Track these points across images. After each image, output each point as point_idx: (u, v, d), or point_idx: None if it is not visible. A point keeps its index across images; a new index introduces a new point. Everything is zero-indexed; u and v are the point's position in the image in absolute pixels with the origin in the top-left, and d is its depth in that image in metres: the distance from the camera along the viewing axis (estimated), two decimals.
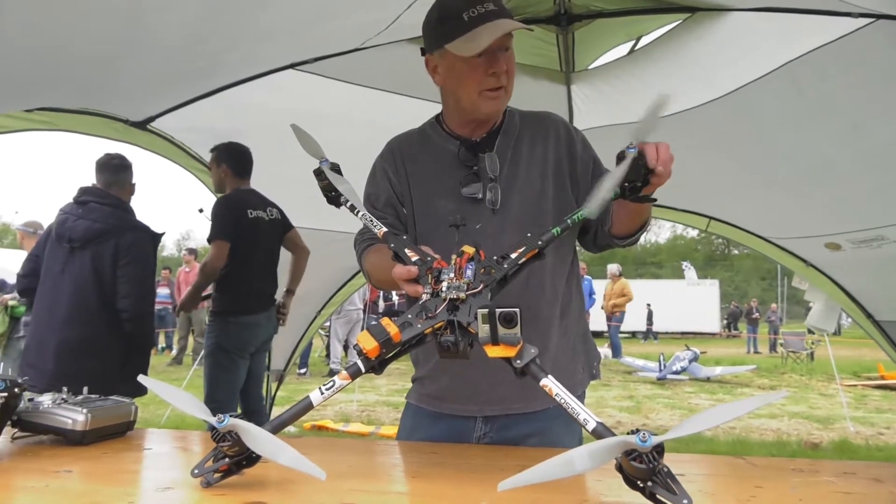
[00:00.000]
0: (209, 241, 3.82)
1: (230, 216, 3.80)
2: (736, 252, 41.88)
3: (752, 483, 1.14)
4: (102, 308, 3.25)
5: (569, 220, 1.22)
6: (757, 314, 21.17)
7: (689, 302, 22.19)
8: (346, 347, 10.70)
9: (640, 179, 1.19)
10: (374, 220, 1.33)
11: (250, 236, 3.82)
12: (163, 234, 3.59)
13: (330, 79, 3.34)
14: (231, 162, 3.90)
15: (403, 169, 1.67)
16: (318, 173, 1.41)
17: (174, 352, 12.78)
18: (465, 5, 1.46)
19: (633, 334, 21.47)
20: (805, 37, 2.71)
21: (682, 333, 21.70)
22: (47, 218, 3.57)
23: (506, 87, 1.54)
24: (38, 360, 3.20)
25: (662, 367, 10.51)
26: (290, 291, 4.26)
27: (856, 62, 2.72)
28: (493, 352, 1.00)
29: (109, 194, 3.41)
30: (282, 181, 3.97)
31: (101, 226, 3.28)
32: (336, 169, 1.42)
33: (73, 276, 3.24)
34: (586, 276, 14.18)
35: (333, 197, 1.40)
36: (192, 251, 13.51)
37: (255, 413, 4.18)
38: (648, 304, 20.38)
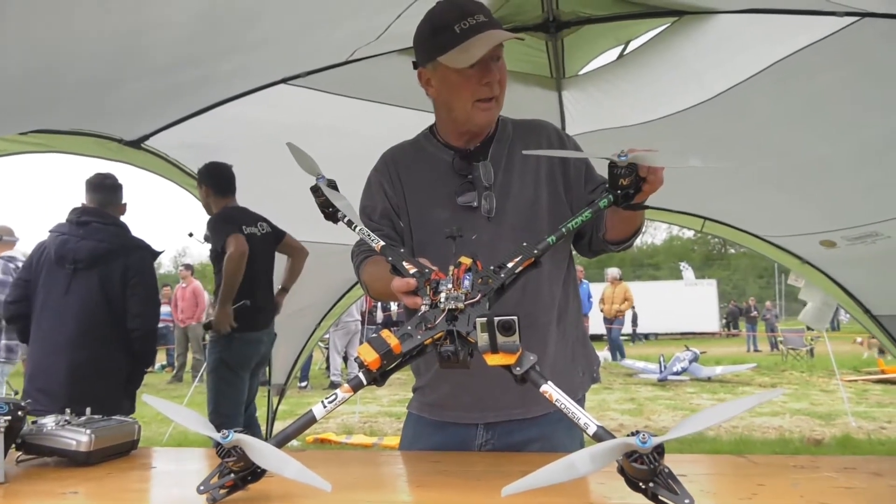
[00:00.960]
0: (221, 245, 3.79)
1: (229, 226, 3.85)
2: (733, 251, 41.89)
3: (754, 481, 1.15)
4: (111, 328, 3.24)
5: (563, 229, 1.24)
6: (755, 312, 21.19)
7: (688, 302, 22.19)
8: (345, 359, 10.69)
9: (633, 187, 1.21)
10: (372, 234, 1.34)
11: (249, 251, 3.83)
12: (161, 251, 3.60)
13: (322, 92, 3.35)
14: (210, 181, 3.94)
15: (399, 180, 1.69)
16: (315, 190, 1.42)
17: (174, 369, 12.74)
18: (457, 18, 1.48)
19: (632, 338, 21.46)
20: (792, 37, 2.73)
21: (682, 334, 21.70)
22: (35, 238, 3.52)
23: (497, 98, 1.56)
24: (48, 384, 3.15)
25: (663, 369, 10.52)
26: (284, 289, 4.28)
27: (843, 60, 2.74)
28: (493, 360, 1.01)
29: (109, 214, 3.41)
30: (277, 195, 3.99)
31: (108, 246, 3.28)
32: (332, 185, 1.43)
33: (79, 297, 3.22)
34: (583, 280, 14.20)
35: (331, 213, 1.42)
36: (188, 267, 13.47)
37: (249, 430, 4.16)
38: (633, 307, 20.27)
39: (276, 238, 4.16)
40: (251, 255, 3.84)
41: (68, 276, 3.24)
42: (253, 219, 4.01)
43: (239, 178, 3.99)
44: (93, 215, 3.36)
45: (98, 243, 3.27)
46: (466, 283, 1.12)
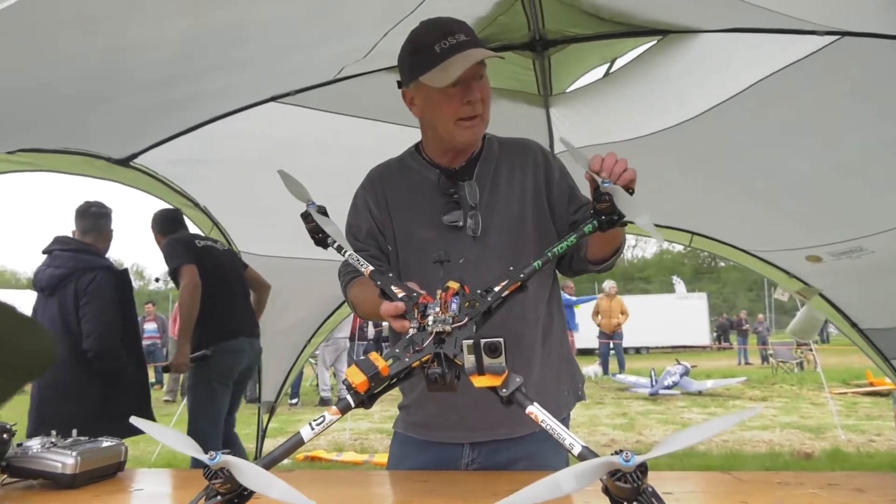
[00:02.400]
0: (174, 272, 3.90)
1: (181, 246, 3.97)
2: (723, 265, 42.06)
3: (739, 498, 1.16)
4: (73, 351, 3.30)
5: (548, 254, 1.26)
6: (746, 325, 21.26)
7: (679, 316, 22.24)
8: (335, 374, 10.64)
9: (615, 213, 1.24)
10: (361, 259, 1.35)
11: (209, 261, 3.94)
12: (124, 269, 3.67)
13: (311, 109, 3.37)
14: (156, 226, 4.15)
15: (384, 199, 1.70)
16: (305, 216, 1.44)
17: (164, 387, 12.55)
18: (437, 37, 1.50)
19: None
20: (774, 56, 2.77)
21: (673, 347, 21.74)
22: (20, 257, 3.69)
23: (482, 115, 1.57)
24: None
25: (654, 383, 10.52)
26: None
27: (824, 78, 2.79)
28: (480, 382, 1.02)
29: (73, 240, 3.53)
30: (267, 211, 3.99)
31: (63, 271, 3.39)
32: (322, 211, 1.45)
33: (45, 322, 3.31)
34: (571, 296, 14.22)
35: (320, 239, 1.44)
36: None
37: (228, 443, 4.15)
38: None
39: (241, 260, 4.31)
40: (214, 264, 3.96)
41: (39, 302, 3.44)
42: (209, 238, 4.19)
43: (228, 195, 4.00)
44: (57, 243, 3.51)
45: (55, 269, 3.40)
46: (454, 306, 1.13)
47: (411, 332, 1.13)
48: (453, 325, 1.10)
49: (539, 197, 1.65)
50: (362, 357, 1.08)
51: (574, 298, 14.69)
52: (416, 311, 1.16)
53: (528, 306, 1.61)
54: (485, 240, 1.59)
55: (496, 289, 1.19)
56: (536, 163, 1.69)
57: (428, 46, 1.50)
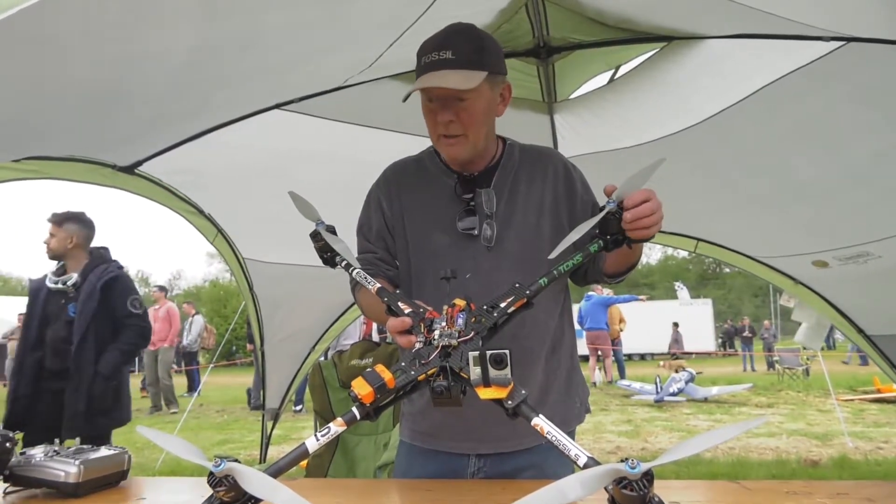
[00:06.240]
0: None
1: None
2: (728, 270, 41.94)
3: None
4: None
5: (555, 271, 1.25)
6: (749, 333, 21.15)
7: (684, 322, 22.17)
8: None
9: (621, 233, 1.24)
10: (368, 277, 1.35)
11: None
12: None
13: (315, 117, 3.37)
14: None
15: (398, 199, 1.67)
16: (314, 235, 1.45)
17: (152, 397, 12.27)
18: (428, 50, 1.48)
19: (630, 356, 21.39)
20: (779, 61, 2.77)
21: (678, 354, 21.66)
22: (26, 263, 3.88)
23: (465, 135, 1.52)
24: None
25: (659, 390, 10.48)
26: None
27: (829, 84, 2.78)
28: (485, 394, 1.01)
29: None
30: (270, 218, 4.00)
31: None
32: (331, 230, 1.45)
33: None
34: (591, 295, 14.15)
35: (329, 258, 1.44)
36: (162, 288, 13.33)
37: None
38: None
39: None
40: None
41: None
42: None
43: (232, 203, 4.02)
44: None
45: None
46: (460, 321, 1.13)
47: (417, 346, 1.13)
48: (459, 340, 1.09)
49: (557, 209, 1.63)
50: (368, 370, 1.08)
51: (612, 297, 14.36)
52: (422, 326, 1.16)
53: (539, 319, 1.58)
54: (499, 249, 1.57)
55: (502, 305, 1.18)
56: (557, 174, 1.66)
57: (420, 57, 1.50)
